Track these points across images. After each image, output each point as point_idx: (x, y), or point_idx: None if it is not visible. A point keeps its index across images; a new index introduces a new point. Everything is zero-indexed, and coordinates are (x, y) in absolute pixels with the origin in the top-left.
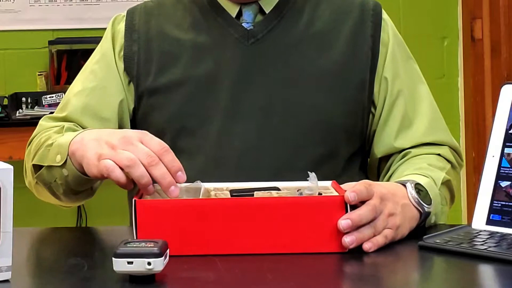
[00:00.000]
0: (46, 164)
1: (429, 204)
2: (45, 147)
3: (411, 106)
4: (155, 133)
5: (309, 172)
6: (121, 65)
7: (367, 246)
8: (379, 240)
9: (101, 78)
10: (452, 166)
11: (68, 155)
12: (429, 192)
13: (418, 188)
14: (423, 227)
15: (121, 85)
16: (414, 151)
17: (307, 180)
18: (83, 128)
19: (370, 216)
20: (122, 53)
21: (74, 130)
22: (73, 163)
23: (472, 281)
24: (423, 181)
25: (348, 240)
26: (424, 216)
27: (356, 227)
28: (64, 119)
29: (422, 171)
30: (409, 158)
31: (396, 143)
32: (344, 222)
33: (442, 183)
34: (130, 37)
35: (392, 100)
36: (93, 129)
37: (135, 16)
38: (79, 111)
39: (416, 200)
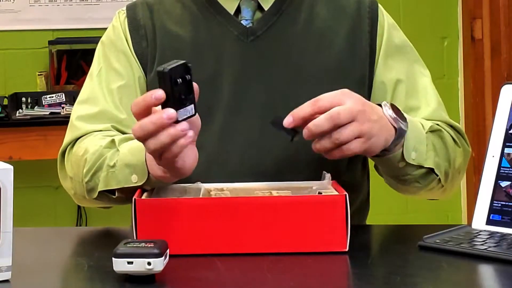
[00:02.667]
0: (117, 187)
1: (405, 121)
2: (106, 170)
3: (412, 95)
4: None
5: (324, 172)
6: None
7: (314, 147)
8: (326, 144)
9: (127, 77)
10: (454, 140)
11: (149, 173)
12: (408, 120)
13: (394, 107)
14: (422, 227)
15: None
16: None
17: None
18: (120, 124)
19: (326, 124)
20: (133, 50)
21: (120, 131)
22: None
23: (472, 281)
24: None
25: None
26: (399, 133)
27: (313, 136)
28: (97, 115)
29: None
30: None
31: None
32: (286, 118)
33: (432, 131)
34: (137, 34)
35: (391, 92)
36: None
37: (138, 11)
38: (114, 109)
39: (392, 115)
